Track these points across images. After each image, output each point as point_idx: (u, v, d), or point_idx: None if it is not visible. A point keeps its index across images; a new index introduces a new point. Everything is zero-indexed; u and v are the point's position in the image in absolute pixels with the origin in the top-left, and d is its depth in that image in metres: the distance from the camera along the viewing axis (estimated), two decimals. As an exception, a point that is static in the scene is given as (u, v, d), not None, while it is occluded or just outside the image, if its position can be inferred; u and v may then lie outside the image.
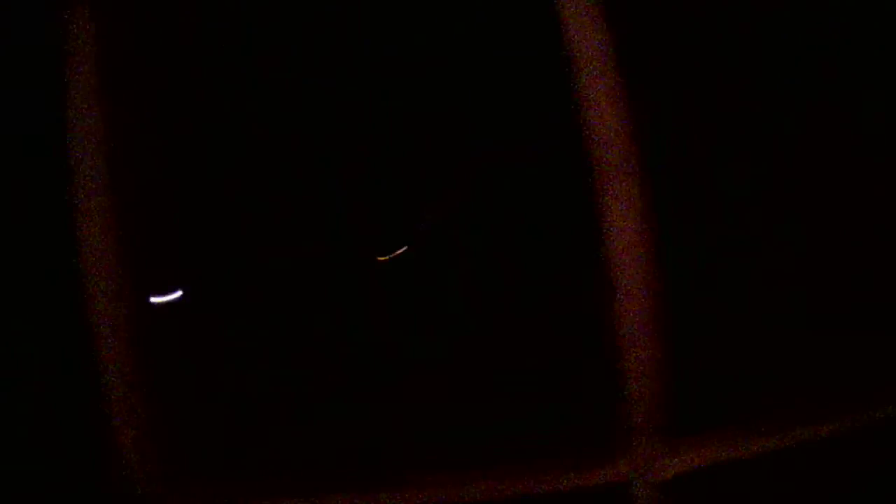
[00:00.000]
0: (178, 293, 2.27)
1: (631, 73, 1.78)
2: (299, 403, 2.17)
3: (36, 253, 1.91)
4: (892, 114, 1.88)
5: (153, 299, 2.20)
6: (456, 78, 1.92)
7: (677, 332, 1.78)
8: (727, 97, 1.90)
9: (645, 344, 1.78)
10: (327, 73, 2.49)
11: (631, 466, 1.80)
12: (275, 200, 2.55)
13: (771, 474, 1.80)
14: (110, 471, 1.78)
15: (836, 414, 1.80)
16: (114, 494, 1.81)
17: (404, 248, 2.45)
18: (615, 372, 1.77)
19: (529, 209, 1.90)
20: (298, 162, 2.55)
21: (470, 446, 1.90)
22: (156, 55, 2.19)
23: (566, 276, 1.87)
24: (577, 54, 1.80)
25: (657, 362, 1.78)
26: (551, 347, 1.87)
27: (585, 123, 1.80)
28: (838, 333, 1.84)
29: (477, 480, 1.87)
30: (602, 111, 1.80)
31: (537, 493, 1.83)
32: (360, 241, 2.50)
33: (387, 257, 2.51)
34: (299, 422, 2.19)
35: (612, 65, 1.80)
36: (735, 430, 1.81)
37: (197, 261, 2.47)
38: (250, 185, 2.55)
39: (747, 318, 1.82)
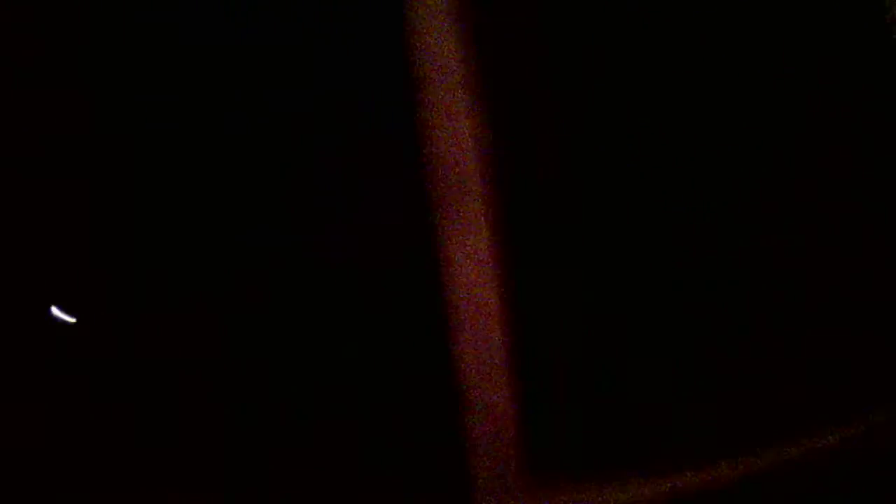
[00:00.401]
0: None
1: (483, 88, 1.60)
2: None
3: None
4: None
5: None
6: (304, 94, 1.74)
7: (530, 374, 1.59)
8: (588, 115, 1.70)
9: (492, 388, 1.60)
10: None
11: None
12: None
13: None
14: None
15: (714, 461, 1.60)
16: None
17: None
18: (461, 421, 1.60)
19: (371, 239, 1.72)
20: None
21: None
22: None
23: (406, 318, 1.69)
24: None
25: (507, 407, 1.59)
26: (395, 395, 1.69)
27: (430, 141, 1.62)
28: (720, 380, 1.63)
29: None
30: (448, 128, 1.62)
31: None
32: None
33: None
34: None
35: (462, 80, 1.62)
36: (599, 480, 1.62)
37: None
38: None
39: (613, 356, 1.63)
